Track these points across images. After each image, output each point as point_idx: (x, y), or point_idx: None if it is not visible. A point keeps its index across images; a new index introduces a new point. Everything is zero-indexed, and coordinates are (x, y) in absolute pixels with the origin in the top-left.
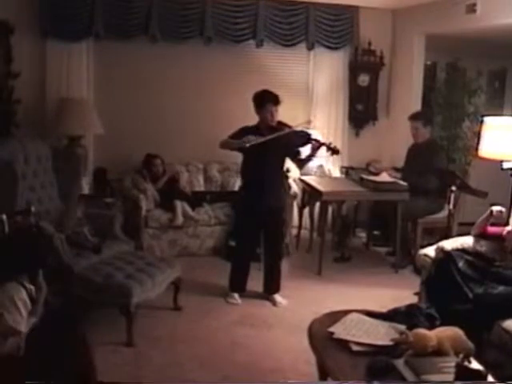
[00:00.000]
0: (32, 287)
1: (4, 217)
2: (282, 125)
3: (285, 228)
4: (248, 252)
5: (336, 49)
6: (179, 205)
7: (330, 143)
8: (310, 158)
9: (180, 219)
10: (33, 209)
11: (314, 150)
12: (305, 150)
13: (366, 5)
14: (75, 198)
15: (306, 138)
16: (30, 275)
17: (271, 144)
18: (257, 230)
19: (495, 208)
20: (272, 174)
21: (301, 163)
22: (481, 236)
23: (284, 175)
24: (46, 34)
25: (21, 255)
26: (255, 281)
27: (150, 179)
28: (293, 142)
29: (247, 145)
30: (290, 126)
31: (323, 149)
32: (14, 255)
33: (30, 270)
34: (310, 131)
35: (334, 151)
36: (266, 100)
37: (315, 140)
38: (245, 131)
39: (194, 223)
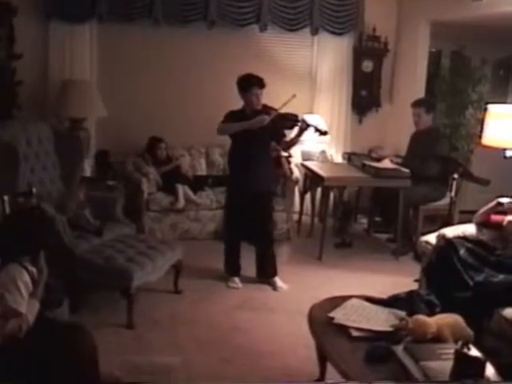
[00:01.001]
0: (34, 269)
1: (6, 198)
2: (267, 108)
3: (273, 212)
4: (237, 235)
5: (340, 34)
6: (181, 188)
7: (318, 125)
8: (296, 139)
9: (182, 203)
10: (34, 190)
11: (301, 130)
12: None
13: None
14: (77, 180)
15: (292, 121)
16: (32, 257)
17: (257, 128)
18: (245, 213)
19: (504, 200)
20: (259, 157)
21: (286, 146)
22: (482, 224)
23: (272, 158)
24: (49, 16)
25: (23, 237)
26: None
27: (152, 163)
28: (280, 124)
29: (265, 122)
30: (275, 109)
31: (311, 130)
32: (16, 236)
33: (32, 252)
34: (310, 116)
35: (321, 132)
36: (251, 84)
37: (303, 121)
38: (233, 115)
39: (196, 207)
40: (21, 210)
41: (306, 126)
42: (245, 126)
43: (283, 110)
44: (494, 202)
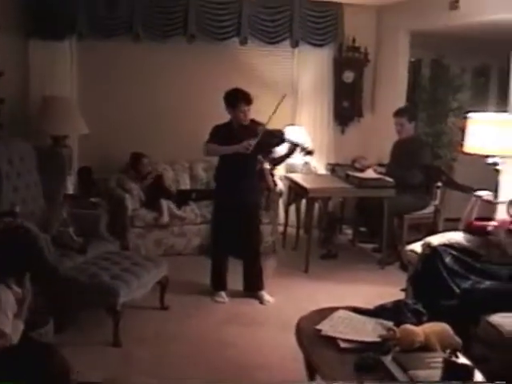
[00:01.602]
0: (19, 289)
1: None
2: (254, 123)
3: (260, 225)
4: (224, 249)
5: (320, 46)
6: (165, 204)
7: (304, 144)
8: (284, 158)
9: (166, 218)
10: (17, 209)
11: (290, 151)
12: (280, 148)
13: (351, 2)
14: (60, 198)
15: (280, 138)
16: (17, 277)
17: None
18: (231, 226)
19: (482, 192)
20: (246, 170)
21: (273, 162)
22: (467, 230)
23: (259, 172)
24: (28, 33)
25: (8, 257)
26: (241, 278)
27: (136, 178)
28: (267, 142)
29: (249, 150)
30: (262, 124)
31: (298, 149)
32: (2, 257)
33: (18, 273)
34: (292, 127)
35: (307, 152)
36: (237, 100)
37: (289, 141)
38: (220, 130)
39: (180, 222)
40: (5, 230)
41: (293, 147)
42: (230, 150)
43: (272, 120)
44: (473, 198)
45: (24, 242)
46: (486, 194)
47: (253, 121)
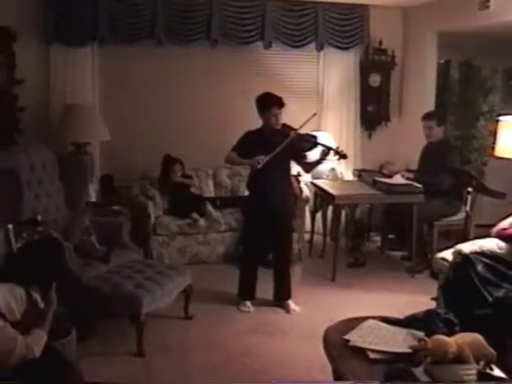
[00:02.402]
0: (38, 298)
1: (10, 226)
2: (286, 127)
3: (293, 233)
4: (255, 258)
5: (346, 49)
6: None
7: (338, 147)
8: (318, 162)
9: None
10: (39, 218)
11: (323, 155)
12: (312, 153)
13: (376, 3)
14: (82, 205)
15: (312, 143)
16: (43, 289)
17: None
18: (263, 235)
19: None
20: (277, 178)
21: (307, 167)
22: (501, 237)
23: (291, 179)
24: (49, 40)
25: (35, 267)
26: (267, 288)
27: (164, 183)
28: (298, 146)
29: (259, 166)
30: (295, 129)
31: (331, 153)
32: (31, 266)
33: (44, 284)
34: (319, 132)
35: (341, 156)
36: (269, 103)
37: (322, 145)
38: (250, 137)
39: (218, 225)
40: (39, 240)
41: (327, 151)
42: (243, 163)
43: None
44: None
45: (53, 253)
46: None
47: (285, 125)
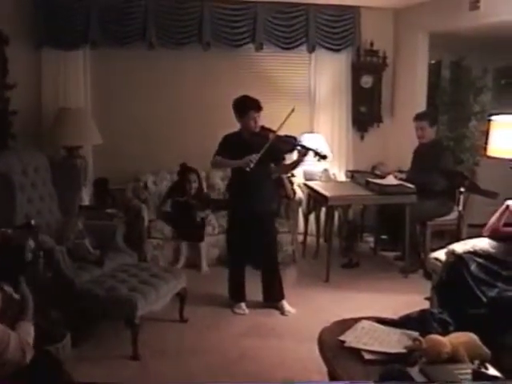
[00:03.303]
0: (11, 291)
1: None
2: (265, 129)
3: (277, 234)
4: (240, 259)
5: (337, 50)
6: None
7: (317, 148)
8: (296, 164)
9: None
10: (33, 222)
11: (301, 156)
12: (291, 155)
13: (367, 5)
14: (75, 209)
15: (291, 144)
16: (13, 284)
17: (256, 151)
18: (248, 236)
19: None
20: (259, 179)
21: (285, 169)
22: (493, 237)
23: (273, 181)
24: (41, 44)
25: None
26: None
27: (177, 191)
28: (278, 148)
29: (251, 166)
30: (273, 131)
31: (311, 154)
32: None
33: (12, 279)
34: (310, 135)
35: (321, 156)
36: (248, 107)
37: (301, 146)
38: (230, 140)
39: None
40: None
41: (305, 152)
42: (233, 164)
43: (283, 129)
44: (502, 208)
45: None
46: None
47: (263, 128)
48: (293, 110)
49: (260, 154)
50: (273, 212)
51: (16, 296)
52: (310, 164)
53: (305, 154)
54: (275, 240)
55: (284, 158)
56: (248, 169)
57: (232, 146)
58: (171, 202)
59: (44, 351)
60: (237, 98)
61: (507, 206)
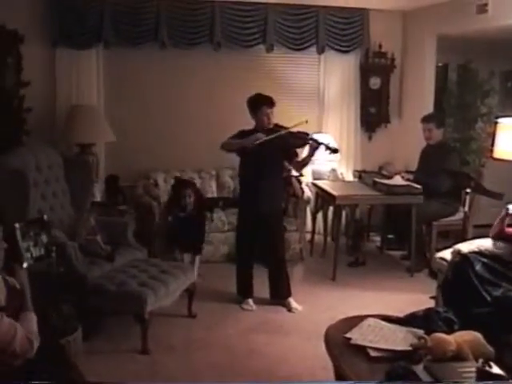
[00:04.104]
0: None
1: (17, 225)
2: (278, 127)
3: (284, 232)
4: (248, 256)
5: (346, 52)
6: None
7: (328, 143)
8: (308, 158)
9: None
10: (45, 217)
11: (313, 149)
12: (303, 151)
13: (376, 7)
14: (87, 205)
15: (303, 139)
16: (11, 272)
17: (268, 146)
18: (256, 234)
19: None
20: (270, 176)
21: (298, 165)
22: (499, 237)
23: (283, 179)
24: (55, 43)
25: None
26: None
27: (174, 206)
28: (290, 143)
29: (257, 142)
30: (286, 128)
31: (322, 148)
32: None
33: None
34: (319, 135)
35: (332, 150)
36: (260, 103)
37: (313, 139)
38: (243, 134)
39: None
40: None
41: (316, 145)
42: (241, 144)
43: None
44: (503, 212)
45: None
46: None
47: (277, 125)
48: (306, 121)
49: (268, 137)
50: (281, 210)
51: (18, 286)
52: (319, 163)
53: (316, 148)
54: (283, 238)
55: (297, 155)
56: (251, 145)
57: (245, 137)
58: (172, 218)
59: (52, 347)
60: (251, 96)
61: (507, 211)
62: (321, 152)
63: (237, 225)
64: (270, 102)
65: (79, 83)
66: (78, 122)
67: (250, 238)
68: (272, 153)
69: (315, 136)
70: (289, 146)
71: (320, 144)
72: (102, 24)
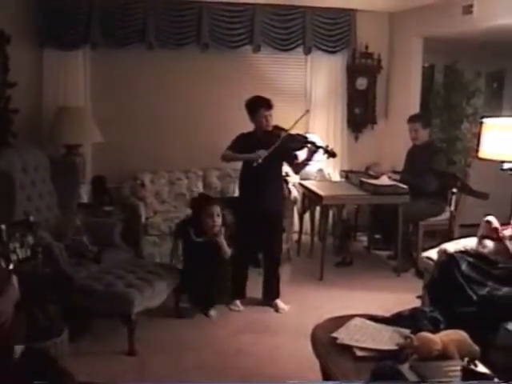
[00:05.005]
0: None
1: (3, 227)
2: (277, 129)
3: (282, 234)
4: (246, 258)
5: (333, 52)
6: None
7: (327, 146)
8: (306, 162)
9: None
10: (32, 219)
11: (311, 153)
12: (301, 154)
13: (363, 8)
14: (74, 206)
15: (302, 142)
16: None
17: (268, 149)
18: (255, 235)
19: (490, 218)
20: (270, 179)
21: (297, 167)
22: (485, 236)
23: (283, 180)
24: (42, 43)
25: None
26: (257, 287)
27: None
28: (289, 146)
29: (260, 161)
30: (286, 130)
31: (320, 152)
32: None
33: None
34: (306, 134)
35: (331, 154)
36: (258, 106)
37: (311, 143)
38: (244, 138)
39: None
40: None
41: (315, 149)
42: (242, 158)
43: (294, 130)
44: (483, 223)
45: None
46: (493, 220)
47: (276, 127)
48: (307, 111)
49: (269, 151)
50: (281, 212)
51: None
52: (313, 160)
53: (314, 152)
54: (281, 240)
55: (296, 157)
56: (255, 164)
57: (245, 143)
58: (184, 245)
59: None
60: (249, 98)
61: (487, 222)
62: (319, 155)
63: (236, 228)
64: (267, 105)
65: (66, 84)
66: (65, 122)
67: (248, 240)
68: (273, 156)
69: (311, 138)
70: (288, 150)
71: (318, 148)
72: (90, 25)
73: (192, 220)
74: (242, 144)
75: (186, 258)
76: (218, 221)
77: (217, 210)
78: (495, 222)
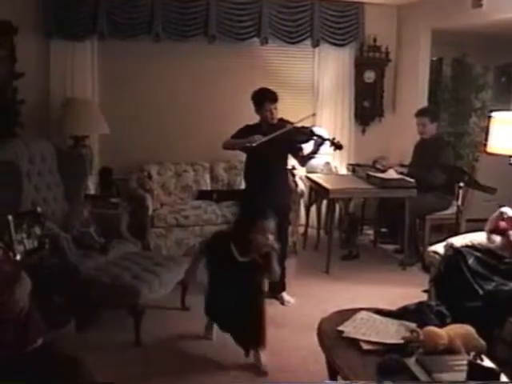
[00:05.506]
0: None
1: (10, 217)
2: (283, 121)
3: (289, 226)
4: None
5: (341, 45)
6: None
7: (334, 138)
8: (312, 154)
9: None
10: (39, 209)
11: (317, 145)
12: (307, 147)
13: (371, 0)
14: (81, 198)
15: (308, 135)
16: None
17: (273, 142)
18: None
19: (506, 209)
20: (275, 171)
21: (303, 160)
22: (493, 231)
23: (288, 173)
24: (49, 34)
25: None
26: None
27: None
28: (294, 138)
29: (254, 144)
30: (291, 123)
31: (327, 144)
32: None
33: None
34: (313, 127)
35: (337, 146)
36: (263, 99)
37: (318, 136)
38: (248, 129)
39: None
40: None
41: (321, 141)
42: (239, 143)
43: (293, 120)
44: (497, 212)
45: None
46: (508, 211)
47: (282, 120)
48: (313, 114)
49: (266, 138)
50: (288, 205)
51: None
52: (319, 152)
53: (321, 144)
54: (287, 233)
55: (301, 149)
56: (248, 145)
57: (249, 134)
58: (218, 265)
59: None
60: (254, 91)
61: (501, 213)
62: (325, 147)
63: (237, 219)
64: (272, 98)
65: (73, 75)
66: (72, 114)
67: None
68: (277, 149)
69: (317, 131)
70: (293, 142)
71: (325, 140)
72: (97, 15)
73: (233, 235)
74: (246, 135)
75: (218, 280)
76: (272, 238)
77: (272, 225)
78: (510, 213)
